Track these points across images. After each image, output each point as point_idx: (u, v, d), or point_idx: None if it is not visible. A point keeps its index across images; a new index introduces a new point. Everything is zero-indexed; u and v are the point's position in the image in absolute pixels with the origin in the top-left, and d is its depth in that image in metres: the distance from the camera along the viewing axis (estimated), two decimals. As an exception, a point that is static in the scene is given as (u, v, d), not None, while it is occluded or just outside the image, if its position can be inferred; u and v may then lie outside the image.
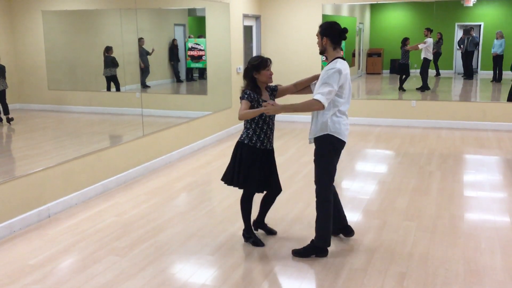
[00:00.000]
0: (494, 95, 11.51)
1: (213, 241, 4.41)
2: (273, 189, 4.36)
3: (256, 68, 4.10)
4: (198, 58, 8.88)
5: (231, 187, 4.32)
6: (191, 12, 8.62)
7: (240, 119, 4.06)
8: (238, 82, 9.43)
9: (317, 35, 4.05)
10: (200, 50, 8.83)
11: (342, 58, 3.99)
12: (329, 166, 4.03)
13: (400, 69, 11.07)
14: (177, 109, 8.27)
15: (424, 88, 10.69)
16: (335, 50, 3.98)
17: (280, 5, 10.09)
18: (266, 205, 4.49)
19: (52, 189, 5.12)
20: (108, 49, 6.54)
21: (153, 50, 7.77)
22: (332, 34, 3.95)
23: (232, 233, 4.59)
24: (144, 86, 7.90)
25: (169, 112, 8.04)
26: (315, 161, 4.08)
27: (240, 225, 4.76)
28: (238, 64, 9.44)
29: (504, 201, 5.39)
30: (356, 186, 5.97)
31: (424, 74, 10.72)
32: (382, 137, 8.71)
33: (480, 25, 11.72)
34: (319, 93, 3.82)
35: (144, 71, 7.77)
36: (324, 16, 9.98)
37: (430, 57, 10.63)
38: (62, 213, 5.14)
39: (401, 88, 10.92)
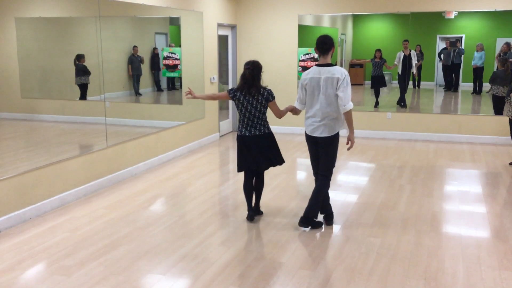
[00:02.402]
0: (474, 108, 11.47)
1: (167, 259, 4.22)
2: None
3: (260, 70, 4.92)
4: (174, 67, 8.72)
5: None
6: (173, 21, 8.48)
7: (280, 118, 5.00)
8: (211, 92, 9.26)
9: None
10: (176, 59, 8.67)
11: (322, 65, 4.64)
12: (308, 149, 4.97)
13: (374, 83, 10.69)
14: (150, 118, 8.10)
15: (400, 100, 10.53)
16: (320, 57, 4.72)
17: (256, 15, 9.98)
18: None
19: (4, 203, 4.90)
20: (79, 57, 6.35)
21: (143, 59, 7.83)
22: (316, 45, 4.70)
23: (189, 250, 4.39)
24: (137, 94, 7.99)
25: (142, 122, 7.87)
26: None
27: (199, 240, 4.58)
28: (213, 74, 9.28)
29: (472, 216, 5.27)
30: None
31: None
32: (356, 149, 8.59)
33: (461, 37, 11.70)
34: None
35: (136, 79, 7.84)
36: (301, 26, 9.88)
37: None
38: (13, 229, 4.90)
39: (377, 103, 10.63)
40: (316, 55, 9.81)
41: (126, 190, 6.20)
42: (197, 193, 6.11)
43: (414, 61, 10.26)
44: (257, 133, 4.90)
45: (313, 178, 5.08)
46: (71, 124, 6.64)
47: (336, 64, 4.80)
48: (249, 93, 4.83)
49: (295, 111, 4.93)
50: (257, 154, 4.91)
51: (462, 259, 4.19)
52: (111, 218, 5.21)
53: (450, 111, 11.17)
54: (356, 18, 11.85)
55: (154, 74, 8.51)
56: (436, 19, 11.07)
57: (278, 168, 7.02)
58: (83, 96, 6.53)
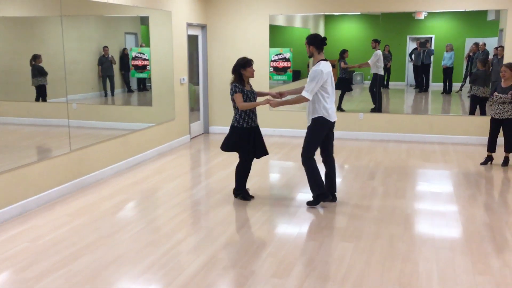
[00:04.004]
0: (444, 107, 11.55)
1: (133, 269, 4.02)
2: (257, 155, 5.73)
3: (243, 66, 5.41)
4: (143, 68, 8.49)
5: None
6: (143, 20, 8.25)
7: (242, 109, 5.42)
8: (182, 94, 9.07)
9: (305, 44, 5.36)
10: (145, 59, 8.45)
11: (325, 59, 5.33)
12: (315, 138, 5.45)
13: (339, 85, 10.18)
14: (119, 120, 7.86)
15: (375, 108, 9.95)
16: (319, 54, 5.34)
17: (227, 14, 9.82)
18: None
19: (-41, 212, 4.62)
20: (35, 58, 6.08)
21: (114, 60, 7.71)
22: (316, 43, 5.31)
23: (156, 259, 4.21)
24: (108, 95, 7.91)
25: (111, 124, 7.62)
26: (306, 133, 5.51)
27: (167, 248, 4.40)
28: (182, 74, 9.08)
29: (445, 218, 5.22)
30: (295, 204, 5.69)
31: (373, 92, 10.04)
32: (329, 150, 8.50)
33: (431, 38, 11.77)
34: (305, 90, 5.24)
35: (109, 80, 7.74)
36: (273, 26, 9.76)
37: (382, 72, 10.26)
38: (-31, 239, 4.63)
39: (340, 109, 10.07)
40: (288, 55, 9.72)
41: (91, 195, 5.96)
42: (166, 198, 5.92)
43: (367, 61, 10.14)
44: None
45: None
46: (36, 127, 6.36)
47: (308, 65, 5.04)
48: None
49: (297, 100, 5.39)
50: None
51: (436, 263, 4.12)
52: (74, 225, 4.97)
53: (421, 111, 11.22)
54: (328, 19, 11.81)
55: (124, 75, 8.29)
56: (406, 20, 11.10)
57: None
58: (41, 98, 6.26)
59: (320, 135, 5.44)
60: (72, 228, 4.90)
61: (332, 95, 5.36)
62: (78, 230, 4.85)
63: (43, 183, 5.66)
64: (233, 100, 5.48)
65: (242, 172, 5.71)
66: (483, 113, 9.15)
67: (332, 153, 5.68)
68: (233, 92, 5.42)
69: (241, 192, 5.79)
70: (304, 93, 5.25)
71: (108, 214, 5.33)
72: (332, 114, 5.38)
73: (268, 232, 4.83)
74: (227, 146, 5.66)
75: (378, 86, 10.06)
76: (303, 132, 6.21)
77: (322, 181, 5.54)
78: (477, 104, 9.14)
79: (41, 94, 6.22)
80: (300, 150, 8.32)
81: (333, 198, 5.68)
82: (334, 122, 5.47)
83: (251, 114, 5.53)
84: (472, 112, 9.23)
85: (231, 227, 4.98)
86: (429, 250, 4.37)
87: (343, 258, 4.21)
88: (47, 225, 5.00)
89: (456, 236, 4.73)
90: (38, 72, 6.08)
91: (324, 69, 5.21)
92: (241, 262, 4.16)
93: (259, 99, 6.04)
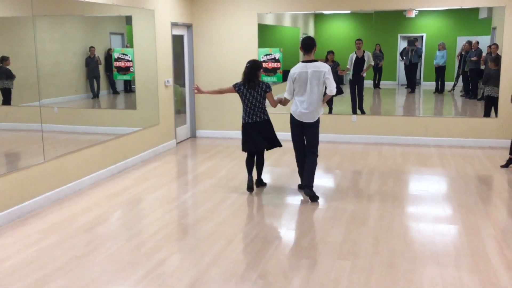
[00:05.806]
0: (437, 107, 11.26)
1: (107, 296, 3.62)
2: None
3: (260, 68, 5.83)
4: (126, 70, 8.09)
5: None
6: (129, 20, 7.85)
7: (274, 106, 5.90)
8: (167, 96, 8.65)
9: None
10: (128, 61, 8.03)
11: (307, 61, 5.57)
12: (291, 131, 5.86)
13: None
14: (101, 125, 7.45)
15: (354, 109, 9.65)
16: (304, 55, 5.62)
17: (213, 13, 9.42)
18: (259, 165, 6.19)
19: None
20: (3, 60, 5.67)
21: (100, 60, 7.53)
22: (301, 45, 5.62)
23: (134, 283, 3.80)
24: (96, 96, 7.74)
25: (92, 129, 7.22)
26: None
27: (148, 270, 4.00)
28: (167, 76, 8.66)
29: (447, 230, 4.86)
30: (286, 215, 5.31)
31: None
32: (321, 154, 8.09)
33: (422, 36, 11.51)
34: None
35: (95, 81, 7.59)
36: (261, 25, 9.38)
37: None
38: None
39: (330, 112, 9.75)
40: (278, 56, 9.34)
41: (66, 209, 5.53)
42: (148, 210, 5.52)
43: (369, 63, 9.74)
44: (258, 120, 5.84)
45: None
46: (11, 133, 5.94)
47: (318, 60, 5.58)
48: (250, 87, 5.74)
49: (284, 102, 5.86)
50: (256, 137, 5.84)
51: (441, 283, 3.76)
52: (46, 244, 4.54)
53: (415, 112, 10.92)
54: (318, 17, 11.48)
55: (109, 76, 7.91)
56: (397, 18, 10.82)
57: (230, 188, 6.50)
58: (6, 102, 5.83)
59: (292, 129, 5.81)
60: (43, 248, 4.47)
61: (298, 95, 5.61)
62: (49, 250, 4.42)
63: (14, 196, 5.22)
64: (263, 98, 5.82)
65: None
66: (497, 114, 8.73)
67: (309, 151, 5.77)
68: (270, 89, 5.83)
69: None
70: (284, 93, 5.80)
71: (84, 230, 4.91)
72: (298, 114, 5.64)
73: (258, 249, 4.44)
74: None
75: (359, 87, 9.76)
76: (288, 135, 5.95)
77: (301, 173, 5.93)
78: (492, 105, 8.73)
79: (5, 97, 5.80)
80: (289, 154, 7.98)
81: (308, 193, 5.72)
82: (304, 123, 5.64)
83: None
84: (487, 114, 8.78)
85: (218, 243, 4.58)
86: (433, 269, 4.01)
87: (340, 280, 3.83)
88: (16, 244, 4.57)
89: (461, 251, 4.37)
90: (5, 74, 5.68)
91: (293, 69, 5.62)
92: (229, 286, 3.77)
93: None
